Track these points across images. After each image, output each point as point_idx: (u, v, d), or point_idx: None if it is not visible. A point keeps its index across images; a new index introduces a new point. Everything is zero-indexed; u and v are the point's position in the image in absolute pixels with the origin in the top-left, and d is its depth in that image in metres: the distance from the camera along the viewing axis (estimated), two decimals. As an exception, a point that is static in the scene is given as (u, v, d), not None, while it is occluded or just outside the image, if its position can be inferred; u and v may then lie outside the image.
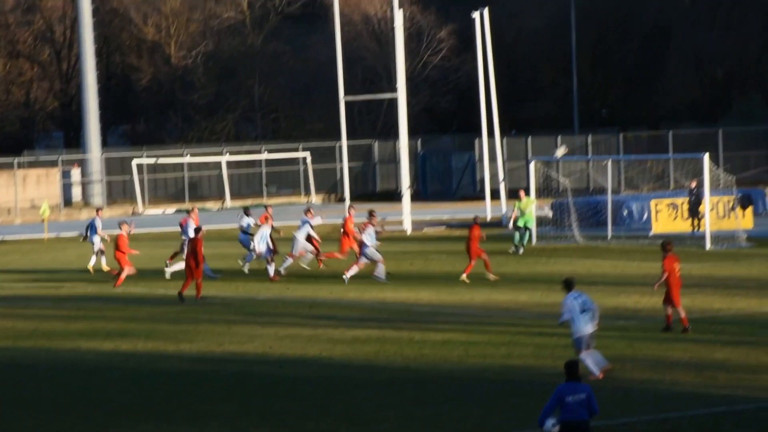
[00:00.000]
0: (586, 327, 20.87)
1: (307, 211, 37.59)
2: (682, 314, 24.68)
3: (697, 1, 79.80)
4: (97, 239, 38.81)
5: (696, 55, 77.68)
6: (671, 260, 24.43)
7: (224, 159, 72.51)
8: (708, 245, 40.00)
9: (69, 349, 25.78)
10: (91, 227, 39.02)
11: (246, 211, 39.31)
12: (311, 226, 36.54)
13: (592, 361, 20.81)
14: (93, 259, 38.81)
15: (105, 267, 38.39)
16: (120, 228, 35.43)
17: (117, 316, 30.05)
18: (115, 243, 35.08)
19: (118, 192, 72.84)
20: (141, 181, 70.19)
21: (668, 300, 24.65)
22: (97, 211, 41.47)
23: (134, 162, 70.32)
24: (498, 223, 50.15)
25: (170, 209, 68.53)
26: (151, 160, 71.85)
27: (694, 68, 77.83)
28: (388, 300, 31.09)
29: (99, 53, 77.36)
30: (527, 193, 42.03)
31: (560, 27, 78.76)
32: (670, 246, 24.81)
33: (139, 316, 29.84)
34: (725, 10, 78.89)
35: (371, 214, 35.29)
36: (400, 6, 52.38)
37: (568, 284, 21.56)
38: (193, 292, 31.34)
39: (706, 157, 41.43)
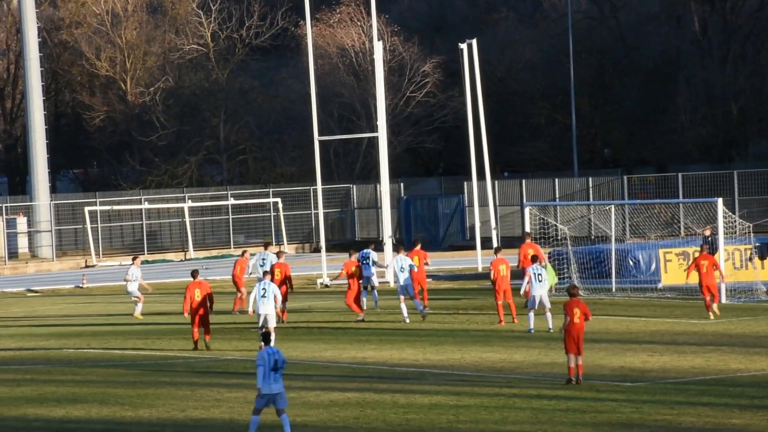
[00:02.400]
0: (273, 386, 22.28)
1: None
2: (579, 362, 26.06)
3: (707, 32, 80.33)
4: (133, 287, 41.00)
5: (707, 90, 78.17)
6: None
7: (186, 205, 72.52)
8: (724, 298, 40.07)
9: (14, 417, 25.63)
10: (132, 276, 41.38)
11: (266, 246, 41.79)
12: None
13: None
14: (139, 307, 40.79)
15: (139, 316, 40.42)
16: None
17: (68, 379, 29.93)
18: None
19: (70, 242, 72.72)
20: (94, 230, 70.10)
21: (575, 345, 26.04)
22: (134, 259, 43.26)
23: (87, 209, 70.24)
24: (488, 274, 50.10)
25: (126, 261, 68.35)
26: (106, 207, 71.82)
27: (705, 104, 78.25)
28: (369, 359, 31.05)
29: (47, 90, 77.46)
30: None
31: (557, 59, 79.22)
32: (575, 290, 27.03)
33: (93, 380, 29.71)
34: (739, 41, 79.48)
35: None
36: (380, 37, 52.77)
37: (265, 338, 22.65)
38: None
39: (720, 201, 41.61)
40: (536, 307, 34.56)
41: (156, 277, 58.31)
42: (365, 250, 41.04)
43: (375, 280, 41.11)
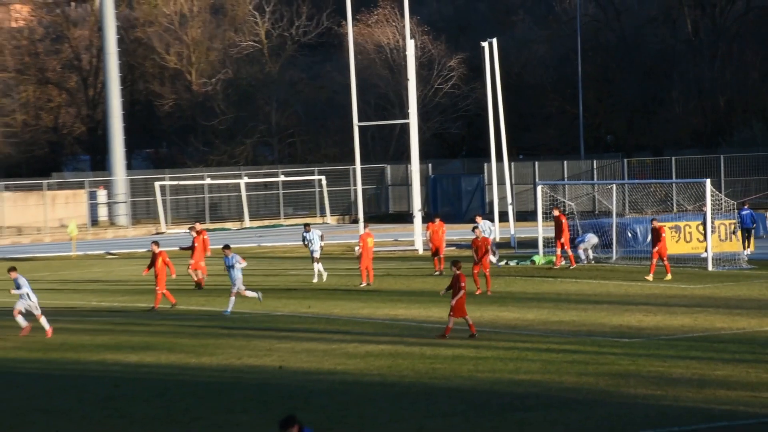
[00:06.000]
0: None
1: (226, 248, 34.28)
2: (450, 324, 26.97)
3: (699, 33, 79.90)
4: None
5: (698, 84, 77.74)
6: (461, 277, 26.82)
7: (242, 181, 72.68)
8: (710, 267, 39.98)
9: (95, 362, 25.85)
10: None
11: (306, 226, 40.69)
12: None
13: None
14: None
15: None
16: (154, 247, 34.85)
17: (141, 330, 30.14)
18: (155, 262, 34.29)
19: (142, 212, 73.07)
20: (164, 202, 70.39)
21: (459, 310, 26.72)
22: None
23: (157, 184, 70.51)
24: (507, 243, 50.17)
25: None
26: (174, 182, 72.05)
27: (696, 97, 77.85)
28: (400, 316, 31.12)
29: (124, 80, 77.69)
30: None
31: (567, 57, 78.88)
32: (459, 265, 27.28)
33: (163, 331, 29.92)
34: (726, 42, 78.98)
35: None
36: (412, 36, 52.59)
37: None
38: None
39: (708, 182, 41.45)
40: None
41: (216, 242, 58.46)
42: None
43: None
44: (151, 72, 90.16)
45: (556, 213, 42.29)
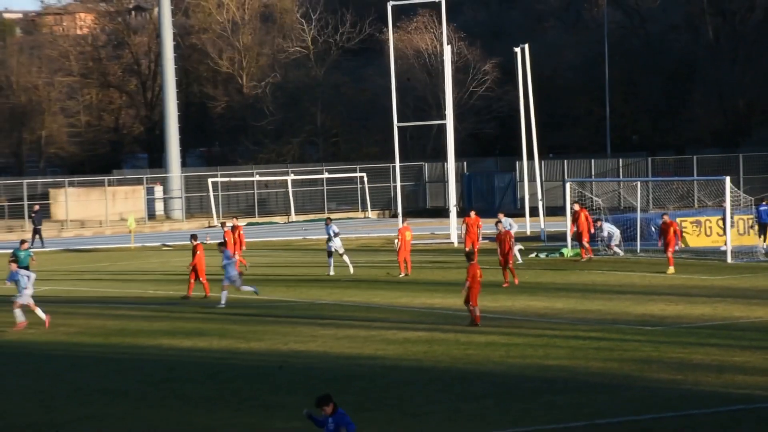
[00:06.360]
0: None
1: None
2: (477, 312, 26.74)
3: (719, 39, 79.32)
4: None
5: (719, 87, 77.16)
6: (474, 268, 26.73)
7: (289, 178, 72.84)
8: (729, 259, 39.70)
9: (152, 346, 26.00)
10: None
11: (328, 220, 40.45)
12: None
13: None
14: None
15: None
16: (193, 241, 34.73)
17: (194, 317, 30.27)
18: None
19: (196, 207, 73.39)
20: (216, 197, 70.66)
21: (469, 300, 26.66)
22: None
23: (210, 180, 70.80)
24: (537, 237, 50.03)
25: (242, 222, 68.93)
26: (225, 179, 72.31)
27: (717, 99, 77.26)
28: (436, 305, 31.11)
29: (179, 84, 78.04)
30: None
31: (594, 62, 78.51)
32: (473, 256, 27.66)
33: (214, 317, 30.03)
34: (745, 47, 78.35)
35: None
36: (449, 42, 52.52)
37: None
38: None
39: (728, 179, 41.15)
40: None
41: (264, 235, 58.74)
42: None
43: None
44: (205, 76, 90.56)
45: (576, 208, 42.12)
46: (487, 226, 44.27)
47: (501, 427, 17.75)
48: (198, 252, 33.85)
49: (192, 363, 23.70)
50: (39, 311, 29.08)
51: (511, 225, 39.48)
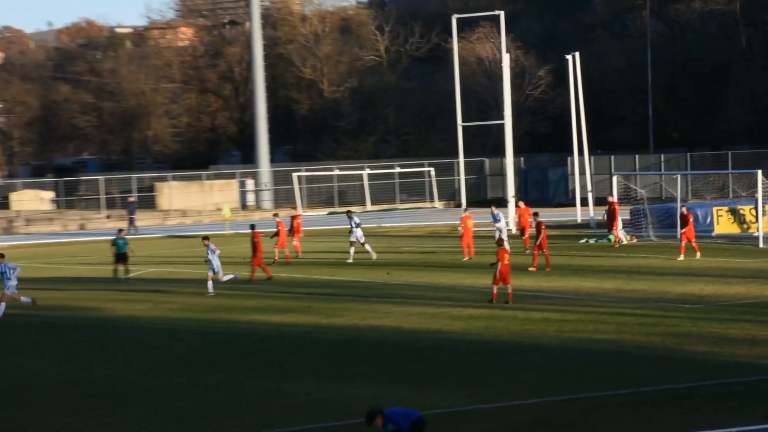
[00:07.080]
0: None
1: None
2: (509, 290, 26.90)
3: (752, 46, 78.04)
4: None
5: (751, 89, 75.92)
6: (503, 252, 26.82)
7: (365, 172, 72.97)
8: (761, 244, 39.05)
9: (245, 321, 26.20)
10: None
11: (348, 212, 39.53)
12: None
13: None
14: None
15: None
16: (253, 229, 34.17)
17: (282, 295, 30.43)
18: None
19: (283, 198, 73.79)
20: (300, 190, 71.01)
21: (501, 279, 26.77)
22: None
23: (294, 175, 71.15)
24: (587, 225, 49.61)
25: (323, 212, 69.28)
26: (309, 173, 72.60)
27: (749, 100, 76.02)
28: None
29: (268, 89, 78.52)
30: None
31: (638, 67, 77.65)
32: (501, 241, 28.06)
33: (299, 296, 30.17)
34: (776, 52, 77.05)
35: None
36: (507, 50, 52.18)
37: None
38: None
39: (759, 172, 40.51)
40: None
41: (343, 224, 58.80)
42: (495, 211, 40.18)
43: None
44: (291, 81, 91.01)
45: (610, 199, 41.66)
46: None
47: (555, 395, 17.65)
48: (257, 240, 33.53)
49: (280, 336, 23.83)
50: (23, 298, 28.09)
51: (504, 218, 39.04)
